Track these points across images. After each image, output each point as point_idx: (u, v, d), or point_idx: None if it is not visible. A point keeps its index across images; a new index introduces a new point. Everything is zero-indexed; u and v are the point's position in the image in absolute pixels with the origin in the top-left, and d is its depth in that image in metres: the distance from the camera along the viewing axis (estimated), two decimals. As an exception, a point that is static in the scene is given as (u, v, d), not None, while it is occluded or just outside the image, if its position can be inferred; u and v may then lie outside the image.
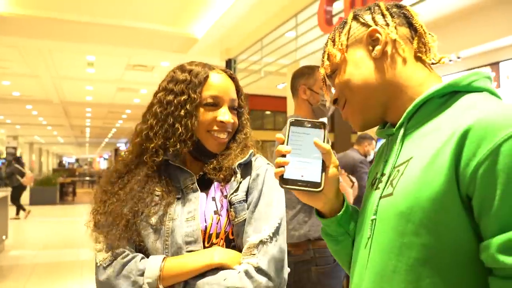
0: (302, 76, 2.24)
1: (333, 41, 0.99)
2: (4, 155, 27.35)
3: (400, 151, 0.86)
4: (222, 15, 6.21)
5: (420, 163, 0.77)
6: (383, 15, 0.93)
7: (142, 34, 7.25)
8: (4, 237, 7.32)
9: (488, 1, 5.40)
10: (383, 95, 0.91)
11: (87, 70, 9.95)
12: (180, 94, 1.22)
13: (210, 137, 1.23)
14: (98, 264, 1.14)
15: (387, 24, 0.91)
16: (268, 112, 14.59)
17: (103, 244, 1.15)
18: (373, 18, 0.93)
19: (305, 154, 0.91)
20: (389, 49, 0.90)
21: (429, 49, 0.92)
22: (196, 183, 1.23)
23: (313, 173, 0.90)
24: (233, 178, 1.22)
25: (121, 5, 6.39)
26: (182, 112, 1.20)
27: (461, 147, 0.70)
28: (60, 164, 49.80)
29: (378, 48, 0.90)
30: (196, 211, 1.18)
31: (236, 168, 1.22)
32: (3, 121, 20.67)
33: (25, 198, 15.16)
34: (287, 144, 0.92)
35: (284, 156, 0.90)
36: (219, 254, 1.12)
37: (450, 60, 6.75)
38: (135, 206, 1.17)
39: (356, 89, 0.92)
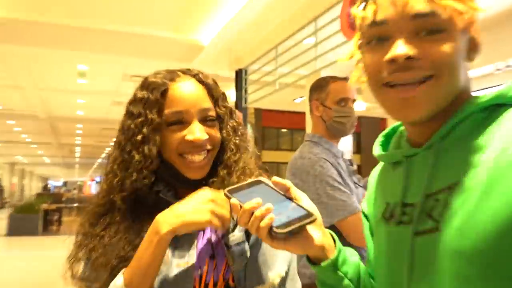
0: (315, 89, 2.26)
1: None
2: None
3: (434, 175, 0.82)
4: (232, 19, 6.26)
5: (471, 191, 0.73)
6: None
7: (141, 40, 7.33)
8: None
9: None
10: (454, 96, 0.84)
11: (78, 81, 10.05)
12: (137, 116, 1.18)
13: (183, 162, 1.18)
14: None
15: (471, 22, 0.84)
16: (284, 130, 14.62)
17: None
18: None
19: (270, 202, 0.88)
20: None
21: None
22: None
23: (294, 210, 0.89)
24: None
25: (117, 9, 6.48)
26: (139, 137, 1.15)
27: None
28: (45, 188, 50.14)
29: (474, 54, 0.86)
30: (191, 256, 1.13)
31: None
32: (-18, 139, 20.95)
33: (1, 227, 15.22)
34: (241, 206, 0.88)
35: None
36: (210, 192, 1.08)
37: (498, 69, 6.69)
38: (122, 251, 1.12)
39: (455, 69, 0.81)
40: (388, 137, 1.04)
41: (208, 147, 1.19)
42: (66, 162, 34.11)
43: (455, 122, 0.81)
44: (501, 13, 5.68)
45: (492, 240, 0.69)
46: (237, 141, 1.27)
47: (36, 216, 15.45)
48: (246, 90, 8.18)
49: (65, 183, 57.86)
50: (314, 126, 2.27)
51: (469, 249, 0.71)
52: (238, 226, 1.16)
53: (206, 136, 1.17)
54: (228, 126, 1.27)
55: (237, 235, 1.15)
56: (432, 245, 0.77)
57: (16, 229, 14.56)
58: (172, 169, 1.19)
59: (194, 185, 1.16)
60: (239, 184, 0.91)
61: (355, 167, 2.27)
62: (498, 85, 0.82)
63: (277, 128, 14.39)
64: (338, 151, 2.21)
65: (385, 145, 1.02)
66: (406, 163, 0.90)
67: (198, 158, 1.17)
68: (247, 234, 1.16)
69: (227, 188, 0.91)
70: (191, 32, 7.29)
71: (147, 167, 1.16)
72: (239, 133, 1.30)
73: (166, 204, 1.14)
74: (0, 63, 8.63)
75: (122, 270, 1.06)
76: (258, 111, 12.79)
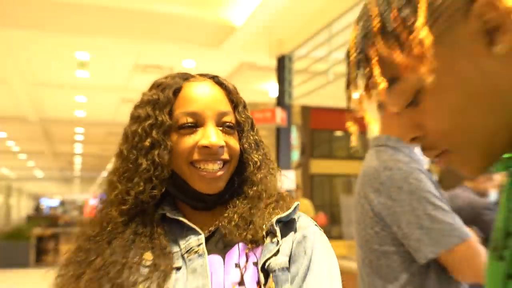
0: None
1: (394, 36, 0.77)
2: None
3: None
4: (272, -9, 6.29)
5: None
6: None
7: (157, 21, 7.43)
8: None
9: None
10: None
11: (77, 73, 10.22)
12: (145, 119, 1.24)
13: (194, 172, 1.23)
14: None
15: None
16: (338, 134, 14.56)
17: None
18: None
19: None
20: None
21: None
22: (203, 244, 1.23)
23: None
24: (269, 239, 1.22)
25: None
26: (147, 142, 1.21)
27: None
28: (37, 209, 51.08)
29: (502, 36, 0.70)
30: (207, 286, 1.17)
31: (275, 225, 1.22)
32: (-41, 147, 21.53)
33: (-14, 257, 15.57)
34: None
35: None
36: None
37: None
38: (117, 277, 1.15)
39: (474, 125, 0.78)
40: None
41: (225, 156, 1.24)
42: (63, 176, 34.73)
43: None
44: None
45: None
46: (260, 157, 1.33)
47: (27, 244, 15.72)
48: (290, 83, 8.19)
49: (62, 203, 58.79)
50: (387, 126, 2.24)
51: None
52: (281, 251, 1.20)
53: (223, 143, 1.22)
54: (250, 137, 1.33)
55: (282, 259, 1.18)
56: None
57: (2, 260, 14.87)
58: (181, 181, 1.25)
59: (205, 203, 1.26)
60: None
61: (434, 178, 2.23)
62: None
63: (329, 130, 14.32)
64: (421, 158, 2.18)
65: None
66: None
67: (212, 167, 1.22)
68: (289, 262, 1.20)
69: None
70: (221, 10, 7.34)
71: (157, 176, 1.21)
72: (262, 149, 1.36)
73: (176, 227, 1.24)
74: (-19, 52, 8.87)
75: None
76: (305, 109, 12.78)
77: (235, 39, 7.78)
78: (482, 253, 1.96)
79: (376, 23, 0.79)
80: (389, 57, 0.77)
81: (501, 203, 0.96)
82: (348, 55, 0.86)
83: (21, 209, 49.94)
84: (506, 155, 0.88)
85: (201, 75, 1.33)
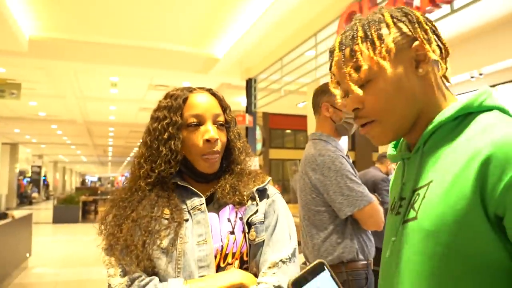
0: (325, 93, 2.22)
1: (370, 41, 0.89)
2: (30, 174, 27.90)
3: (419, 174, 0.87)
4: (243, 35, 6.28)
5: (440, 187, 0.78)
6: (424, 30, 0.89)
7: (164, 55, 7.38)
8: (27, 254, 7.42)
9: (511, 17, 5.34)
10: (418, 111, 0.89)
11: (111, 91, 10.13)
12: (163, 119, 1.26)
13: (200, 159, 1.25)
14: None
15: (429, 41, 0.88)
16: (288, 131, 14.60)
17: (116, 269, 1.13)
18: (415, 28, 0.88)
19: None
20: (430, 68, 0.88)
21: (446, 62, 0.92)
22: (204, 203, 1.24)
23: None
24: (250, 202, 1.25)
25: (143, 27, 6.53)
26: (166, 135, 1.23)
27: (485, 173, 0.71)
28: (83, 182, 50.46)
29: (424, 65, 0.87)
30: (208, 234, 1.19)
31: (255, 192, 1.26)
32: (29, 141, 21.14)
33: (48, 216, 15.39)
34: None
35: None
36: (239, 275, 1.12)
37: (472, 77, 6.67)
38: (148, 226, 1.17)
39: (396, 109, 0.88)
40: (399, 140, 1.06)
41: (218, 148, 1.27)
42: (100, 160, 34.33)
43: (429, 131, 0.86)
44: (476, 28, 5.65)
45: (451, 225, 0.74)
46: (241, 144, 1.36)
47: (76, 207, 15.59)
48: (255, 97, 8.19)
49: (99, 179, 58.18)
50: (320, 125, 2.24)
51: (434, 232, 0.76)
52: (259, 210, 1.24)
53: (218, 137, 1.26)
54: (235, 130, 1.36)
55: (260, 216, 1.23)
56: (413, 230, 0.82)
57: (59, 217, 14.74)
58: (190, 164, 1.27)
59: (205, 178, 1.29)
60: (303, 273, 0.79)
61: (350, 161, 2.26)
62: (473, 91, 0.85)
63: (282, 129, 14.36)
64: (342, 148, 2.20)
65: (396, 146, 1.04)
66: (403, 164, 0.96)
67: (212, 156, 1.26)
68: (264, 217, 1.24)
69: (291, 280, 0.79)
70: (208, 47, 7.32)
71: (174, 159, 1.23)
72: (242, 139, 1.38)
73: (182, 191, 1.26)
74: (46, 76, 8.72)
75: (182, 280, 1.11)
76: (265, 114, 12.78)
77: (218, 67, 7.75)
78: (380, 211, 2.05)
79: (360, 33, 0.90)
80: (366, 53, 0.88)
81: (394, 178, 1.01)
82: (331, 53, 0.96)
83: (72, 183, 49.24)
84: (391, 153, 0.95)
85: (200, 88, 1.34)
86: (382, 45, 0.87)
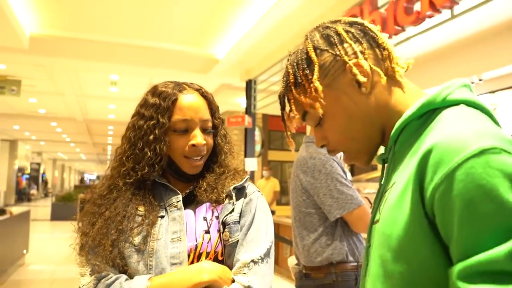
0: None
1: (300, 85, 0.87)
2: (29, 171, 27.87)
3: (388, 176, 0.85)
4: (243, 36, 6.28)
5: (398, 188, 0.75)
6: (347, 43, 0.85)
7: (164, 54, 7.36)
8: (25, 251, 7.40)
9: (511, 23, 5.35)
10: (381, 125, 0.87)
11: (111, 89, 10.11)
12: (149, 119, 1.22)
13: (185, 161, 1.24)
14: None
15: (355, 53, 0.84)
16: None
17: (87, 268, 1.13)
18: (340, 49, 0.85)
19: None
20: (375, 78, 0.85)
21: (396, 63, 0.87)
22: (181, 201, 1.23)
23: None
24: (227, 200, 1.24)
25: (144, 26, 6.52)
26: (151, 137, 1.20)
27: (423, 170, 0.69)
28: (82, 180, 50.42)
29: (364, 82, 0.83)
30: (183, 232, 1.18)
31: (232, 191, 1.24)
32: (29, 138, 21.10)
33: (46, 213, 15.37)
34: None
35: None
36: (207, 271, 1.11)
37: (472, 83, 6.67)
38: (119, 225, 1.16)
39: (356, 136, 0.87)
40: None
41: (204, 152, 1.25)
42: (99, 159, 34.27)
43: (396, 131, 0.83)
44: (476, 34, 5.65)
45: (399, 229, 0.71)
46: (227, 147, 1.34)
47: (74, 204, 15.59)
48: (255, 98, 8.18)
49: (98, 177, 58.07)
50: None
51: (388, 237, 0.74)
52: (235, 209, 1.22)
53: (205, 142, 1.24)
54: (222, 132, 1.34)
55: (235, 215, 1.22)
56: (376, 233, 0.80)
57: (57, 214, 14.78)
58: (174, 165, 1.25)
59: (187, 178, 1.27)
60: None
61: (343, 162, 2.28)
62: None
63: (281, 131, 14.35)
64: None
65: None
66: (383, 166, 0.94)
67: (196, 159, 1.25)
68: (240, 217, 1.23)
69: None
70: (208, 47, 7.30)
71: (158, 163, 1.21)
72: (228, 140, 1.37)
73: (161, 188, 1.25)
74: (46, 73, 8.71)
75: (148, 276, 1.10)
76: (265, 116, 12.76)
77: (218, 67, 7.74)
78: (370, 214, 2.03)
79: (291, 78, 0.89)
80: (299, 99, 0.88)
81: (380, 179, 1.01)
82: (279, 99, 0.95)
83: (71, 181, 49.20)
84: (379, 154, 0.95)
85: (189, 85, 1.30)
86: (311, 86, 0.86)
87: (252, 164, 7.69)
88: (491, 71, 6.10)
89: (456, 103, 0.78)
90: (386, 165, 0.91)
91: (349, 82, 0.85)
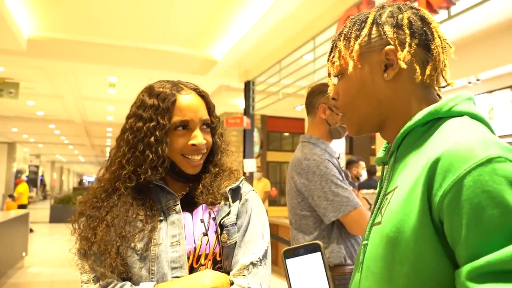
0: (322, 94, 2.14)
1: (347, 40, 0.93)
2: (27, 173, 27.81)
3: (390, 179, 0.87)
4: (241, 38, 6.28)
5: (402, 193, 0.78)
6: (404, 31, 0.87)
7: (163, 56, 7.37)
8: (23, 253, 7.39)
9: (507, 23, 5.36)
10: (383, 116, 0.91)
11: (109, 91, 10.10)
12: (149, 121, 1.19)
13: (184, 161, 1.22)
14: None
15: (404, 44, 0.86)
16: (286, 134, 14.59)
17: (89, 275, 1.12)
18: (394, 32, 0.87)
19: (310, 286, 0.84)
20: (405, 72, 0.87)
21: (441, 73, 0.90)
22: (179, 204, 1.22)
23: None
24: (223, 202, 1.24)
25: (143, 28, 6.52)
26: (152, 139, 1.17)
27: (431, 178, 0.72)
28: (81, 183, 50.28)
29: (391, 71, 0.88)
30: (181, 235, 1.18)
31: (227, 192, 1.24)
32: (27, 140, 21.07)
33: (45, 216, 15.34)
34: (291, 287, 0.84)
35: None
36: (209, 278, 1.11)
37: (470, 83, 6.68)
38: (122, 231, 1.14)
39: (356, 107, 0.93)
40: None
41: (204, 150, 1.25)
42: (98, 161, 34.19)
43: (400, 137, 0.87)
44: (473, 34, 5.67)
45: (406, 233, 0.74)
46: (223, 145, 1.34)
47: (73, 207, 15.51)
48: (253, 99, 8.19)
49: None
50: (314, 127, 2.18)
51: (393, 240, 0.77)
52: (232, 211, 1.23)
53: (205, 141, 1.23)
54: (219, 131, 1.34)
55: (232, 217, 1.22)
56: (377, 234, 0.83)
57: (56, 217, 14.70)
58: (173, 165, 1.24)
59: (186, 178, 1.26)
60: (298, 247, 0.85)
61: (343, 163, 2.24)
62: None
63: (280, 132, 14.34)
64: (333, 151, 2.17)
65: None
66: (383, 168, 0.97)
67: (197, 158, 1.23)
68: (236, 218, 1.24)
69: (285, 249, 0.85)
70: (207, 49, 7.30)
71: (161, 165, 1.19)
72: (224, 139, 1.36)
73: (158, 190, 1.24)
74: (44, 76, 8.70)
75: (153, 284, 1.10)
76: (263, 117, 12.75)
77: (216, 69, 7.75)
78: (367, 216, 1.98)
79: (345, 31, 0.95)
80: (340, 49, 0.94)
81: (379, 181, 1.02)
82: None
83: (69, 183, 49.10)
84: (378, 155, 0.96)
85: (185, 85, 1.28)
86: (353, 45, 0.92)
87: (251, 165, 7.69)
88: (488, 71, 6.12)
89: (460, 114, 0.82)
90: (386, 167, 0.94)
91: (379, 62, 0.89)
